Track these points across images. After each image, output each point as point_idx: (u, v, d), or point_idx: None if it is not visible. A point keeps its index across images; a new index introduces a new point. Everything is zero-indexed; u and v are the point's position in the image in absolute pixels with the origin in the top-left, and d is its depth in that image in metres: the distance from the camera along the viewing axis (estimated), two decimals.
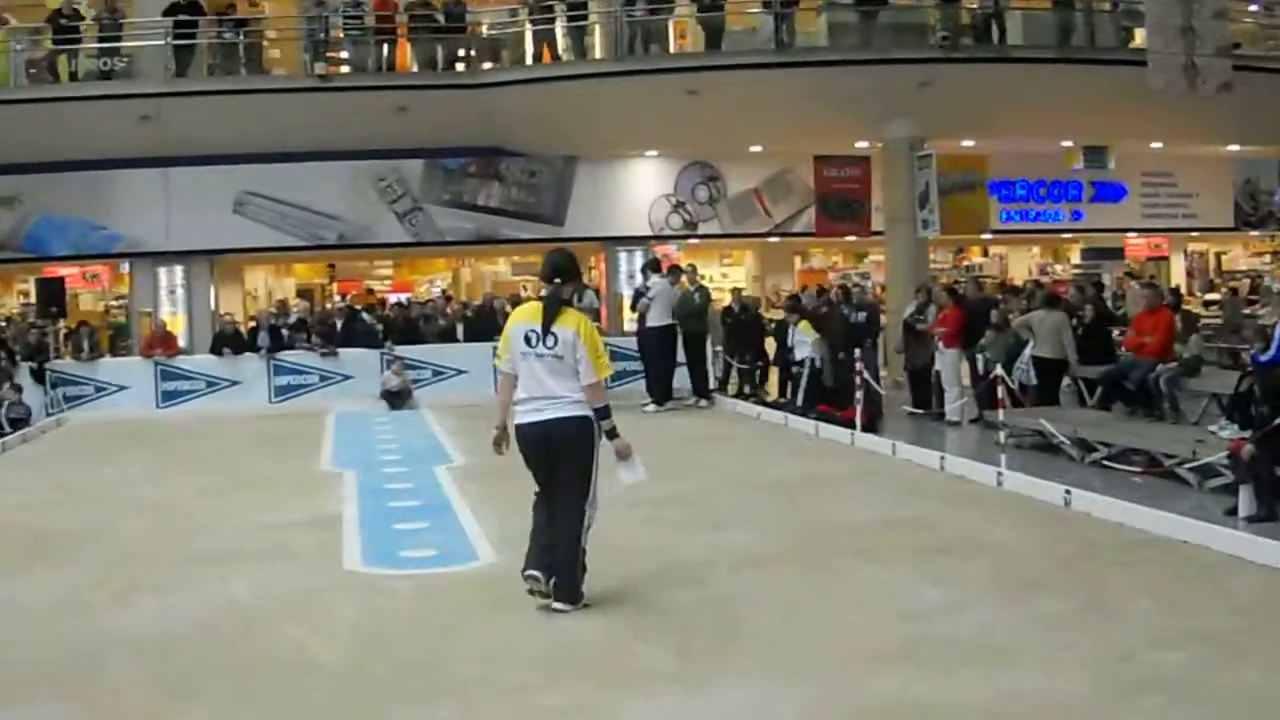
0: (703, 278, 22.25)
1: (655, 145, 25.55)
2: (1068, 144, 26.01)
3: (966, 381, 17.03)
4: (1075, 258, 30.54)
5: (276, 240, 24.72)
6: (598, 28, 23.38)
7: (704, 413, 19.54)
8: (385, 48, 23.83)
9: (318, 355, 21.68)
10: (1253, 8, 25.33)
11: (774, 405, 18.82)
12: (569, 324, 7.68)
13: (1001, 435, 12.64)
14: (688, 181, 26.18)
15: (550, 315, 7.69)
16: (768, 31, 22.34)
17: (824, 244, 29.20)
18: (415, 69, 23.89)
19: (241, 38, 23.81)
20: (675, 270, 20.74)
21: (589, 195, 25.54)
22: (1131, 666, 6.54)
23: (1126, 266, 28.93)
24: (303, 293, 29.33)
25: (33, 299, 24.63)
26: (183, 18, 22.87)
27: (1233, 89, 20.20)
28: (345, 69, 24.19)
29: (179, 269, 24.69)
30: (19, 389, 19.68)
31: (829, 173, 25.27)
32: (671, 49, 23.38)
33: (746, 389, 20.57)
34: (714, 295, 22.32)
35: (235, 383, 21.54)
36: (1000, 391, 12.86)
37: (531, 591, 7.73)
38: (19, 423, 18.92)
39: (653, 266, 20.81)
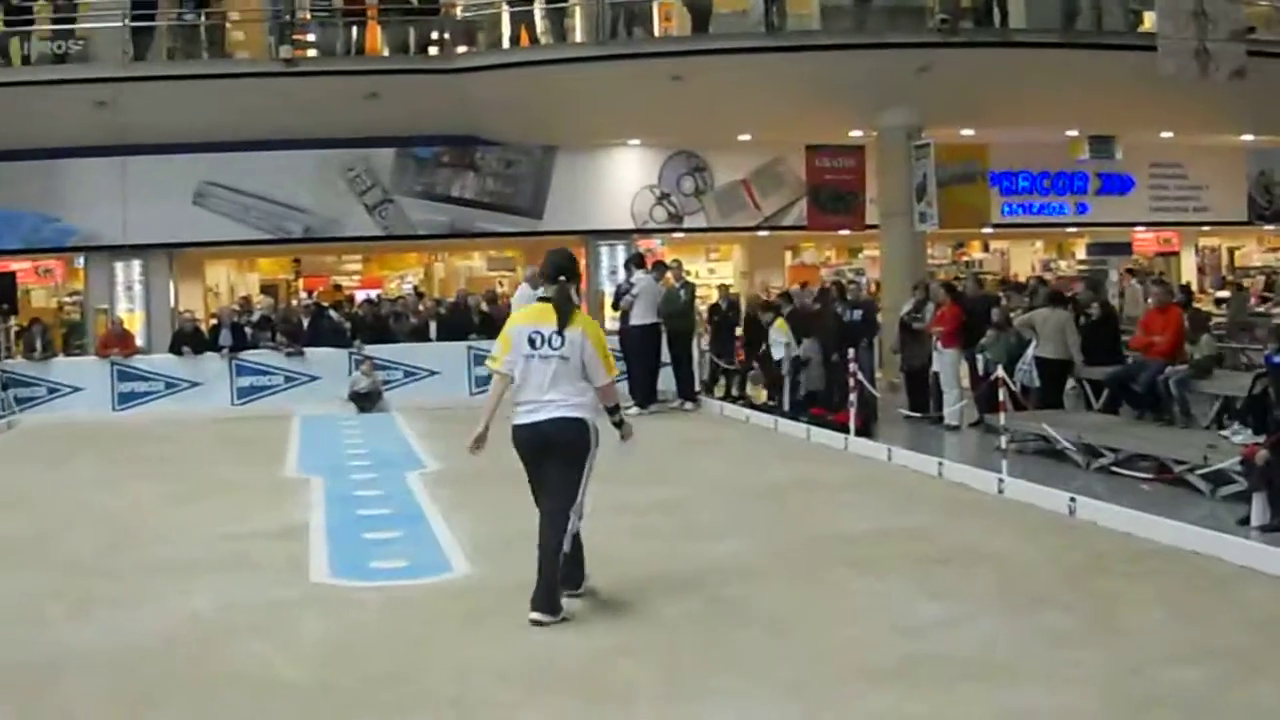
0: (688, 274, 22.27)
1: (639, 134, 25.56)
2: (1073, 133, 26.05)
3: (966, 383, 17.05)
4: (1080, 253, 30.61)
5: (239, 233, 24.64)
6: (578, 9, 23.40)
7: (690, 416, 19.57)
8: (354, 30, 23.80)
9: (283, 355, 21.65)
10: None
11: (763, 408, 18.83)
12: (577, 325, 7.95)
13: (1003, 440, 12.67)
14: (673, 172, 26.17)
15: (566, 315, 7.92)
16: (757, 14, 22.34)
17: (816, 238, 29.23)
18: (386, 53, 23.87)
19: (203, 19, 23.76)
20: (660, 266, 20.74)
21: (569, 186, 25.52)
22: (1141, 683, 6.54)
23: (1131, 262, 28.97)
24: (267, 289, 29.32)
25: None
26: None
27: (1246, 75, 20.24)
28: (312, 52, 24.16)
29: (136, 264, 24.62)
30: None
31: (821, 163, 25.21)
32: (656, 32, 23.39)
33: (734, 391, 20.59)
34: (700, 292, 22.35)
35: (196, 384, 21.48)
36: (1001, 394, 12.86)
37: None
38: None
39: (636, 262, 20.80)
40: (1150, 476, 12.18)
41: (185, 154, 23.83)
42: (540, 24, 23.41)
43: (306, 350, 21.69)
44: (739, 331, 21.17)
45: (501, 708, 6.41)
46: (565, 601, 7.90)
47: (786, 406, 17.78)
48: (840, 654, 7.12)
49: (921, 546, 9.80)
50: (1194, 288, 26.74)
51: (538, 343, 7.89)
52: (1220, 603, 8.12)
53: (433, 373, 21.75)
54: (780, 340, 18.13)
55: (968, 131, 24.44)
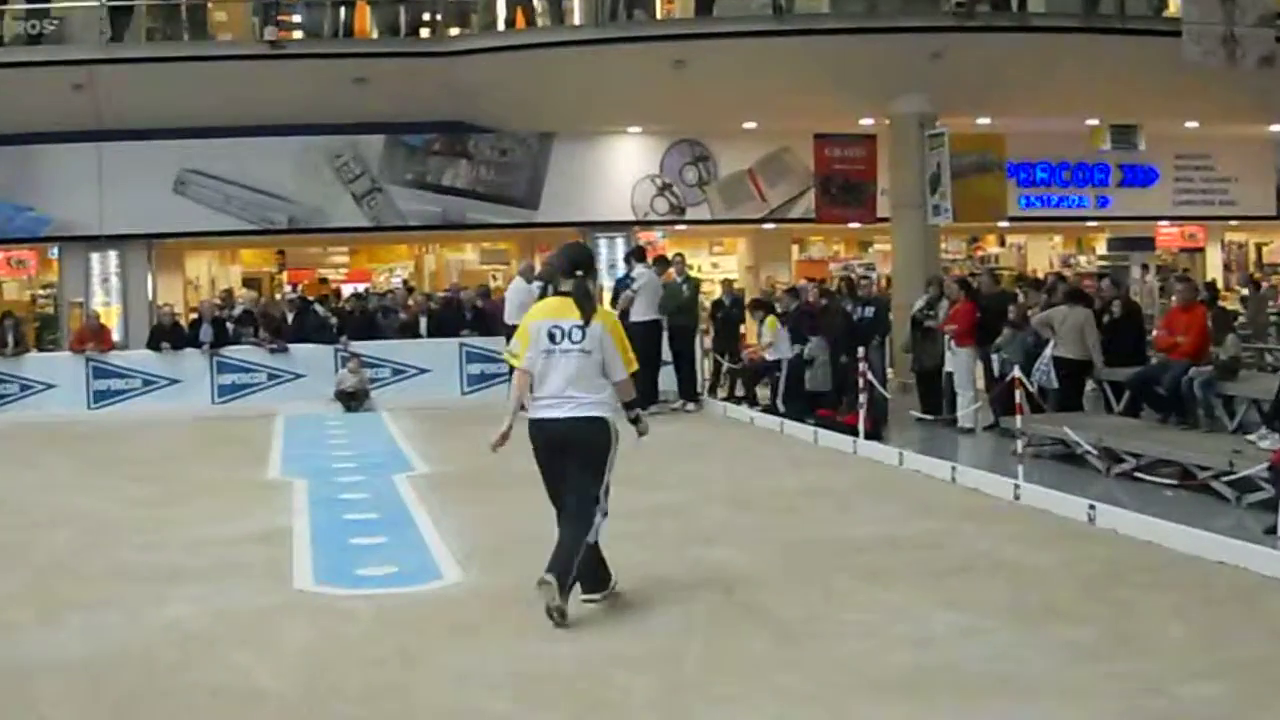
0: (691, 268, 22.26)
1: (639, 121, 25.56)
2: (1093, 122, 26.06)
3: (981, 384, 17.07)
4: (1101, 248, 30.60)
5: (221, 223, 24.67)
6: None
7: (691, 417, 19.55)
8: (342, 11, 23.84)
9: (266, 351, 21.65)
10: None
11: (768, 409, 18.83)
12: (597, 318, 8.17)
13: (1019, 444, 12.68)
14: (675, 161, 26.19)
15: (588, 309, 8.12)
16: None
17: (824, 231, 29.24)
18: (375, 35, 23.89)
19: None
20: (661, 260, 20.74)
21: (566, 176, 25.52)
22: (1162, 700, 6.53)
23: (1155, 258, 28.97)
24: (249, 282, 29.29)
25: None
26: None
27: (1275, 63, 20.26)
28: (298, 35, 24.15)
29: (113, 255, 24.63)
30: None
31: (831, 153, 25.22)
32: (658, 15, 23.41)
33: (739, 391, 20.59)
34: (703, 287, 22.36)
35: (175, 381, 21.48)
36: (1018, 395, 12.87)
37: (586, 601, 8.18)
38: None
39: (637, 255, 20.77)
40: (1173, 483, 12.20)
41: (165, 140, 23.82)
42: (537, 5, 23.43)
43: (291, 347, 21.68)
44: (744, 329, 21.19)
45: None
46: (579, 604, 8.05)
47: (783, 407, 17.81)
48: (848, 667, 7.12)
49: (933, 555, 9.80)
50: (1219, 285, 26.73)
51: (558, 337, 8.07)
52: (1245, 615, 8.12)
53: (423, 371, 21.77)
54: (771, 338, 18.18)
55: (984, 120, 24.47)
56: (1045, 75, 22.12)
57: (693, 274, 21.79)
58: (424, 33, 23.99)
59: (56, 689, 6.97)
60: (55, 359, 22.16)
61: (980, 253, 31.27)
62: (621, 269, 22.05)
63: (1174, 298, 16.40)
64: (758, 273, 28.38)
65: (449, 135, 25.17)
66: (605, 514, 8.14)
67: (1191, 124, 26.89)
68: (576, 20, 23.25)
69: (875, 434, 15.60)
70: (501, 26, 23.55)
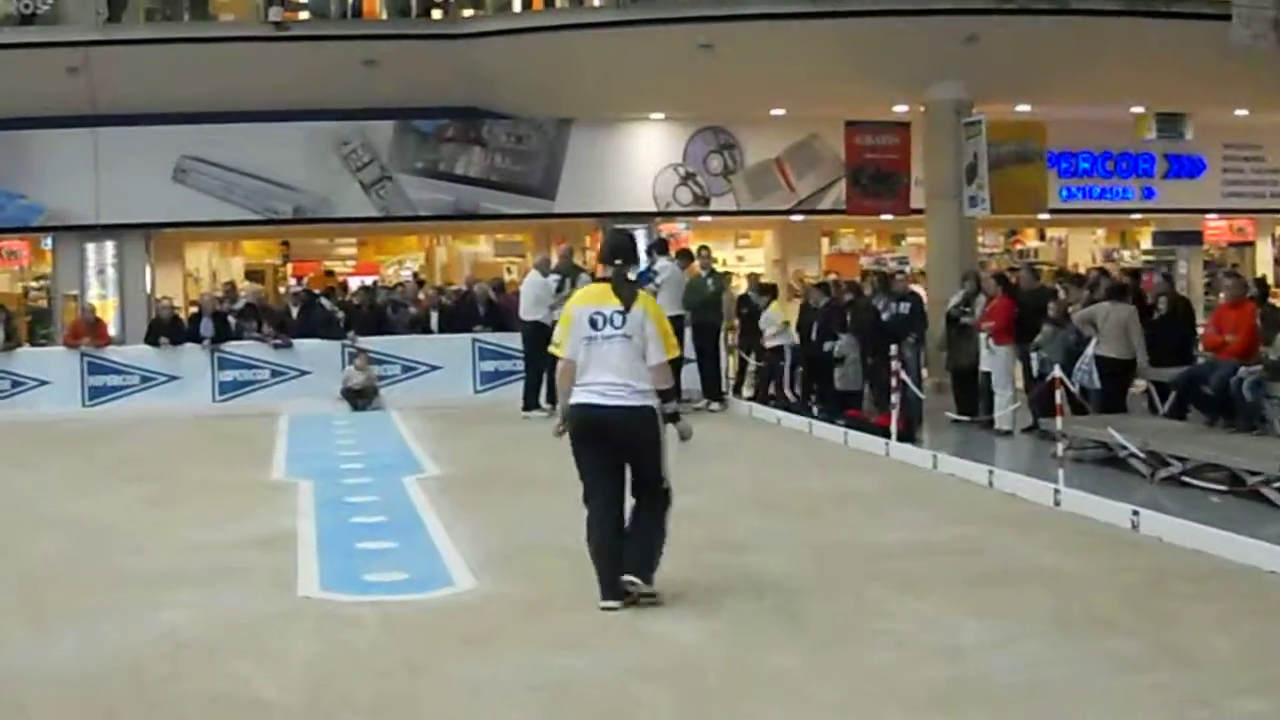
0: (716, 261, 22.24)
1: (662, 107, 25.55)
2: (1139, 110, 26.02)
3: (1019, 384, 17.05)
4: (1146, 242, 30.55)
5: (223, 213, 24.72)
6: None
7: (716, 417, 19.55)
8: None
9: (269, 347, 21.69)
10: None
11: (796, 409, 18.83)
12: (638, 303, 8.52)
13: (1059, 447, 12.65)
14: (699, 149, 26.20)
15: (629, 295, 8.48)
16: None
17: (855, 223, 29.25)
18: (385, 16, 23.95)
19: None
20: (685, 253, 20.73)
21: (584, 164, 25.53)
22: (1207, 713, 6.53)
23: (1203, 253, 28.91)
24: (252, 274, 29.42)
25: None
26: None
27: None
28: (304, 15, 24.27)
29: (110, 245, 24.72)
30: None
31: (862, 141, 25.19)
32: None
33: (768, 390, 20.56)
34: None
35: (174, 378, 21.53)
36: (1058, 396, 12.87)
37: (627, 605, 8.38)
38: None
39: (659, 248, 20.79)
40: (1221, 488, 12.18)
41: (164, 125, 23.89)
42: None
43: (295, 342, 21.71)
44: None
45: None
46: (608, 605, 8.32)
47: (791, 399, 17.83)
48: (879, 679, 7.13)
49: (968, 562, 9.81)
50: (1270, 281, 26.64)
51: (599, 324, 8.42)
52: None
53: (434, 368, 21.79)
54: (776, 321, 18.16)
55: (1023, 107, 24.43)
56: (1087, 60, 22.04)
57: (717, 267, 21.72)
58: (436, 13, 24.05)
59: (46, 700, 6.99)
60: (49, 354, 22.23)
61: (1019, 246, 31.25)
62: (644, 262, 22.03)
63: (1222, 294, 16.34)
64: (785, 266, 28.38)
65: (462, 121, 25.18)
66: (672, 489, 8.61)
67: (1241, 112, 26.79)
68: (597, 1, 23.23)
69: (908, 435, 15.59)
70: (518, 7, 23.61)
